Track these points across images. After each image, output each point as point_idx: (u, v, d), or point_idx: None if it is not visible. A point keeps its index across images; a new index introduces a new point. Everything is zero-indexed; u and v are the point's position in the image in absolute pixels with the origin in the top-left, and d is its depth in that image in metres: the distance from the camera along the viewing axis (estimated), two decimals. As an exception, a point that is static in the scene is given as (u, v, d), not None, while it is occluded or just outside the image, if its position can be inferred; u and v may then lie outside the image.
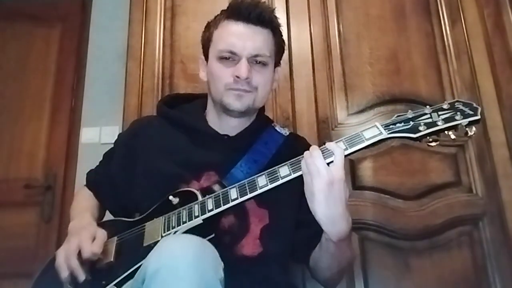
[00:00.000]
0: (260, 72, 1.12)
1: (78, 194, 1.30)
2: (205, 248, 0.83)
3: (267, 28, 1.14)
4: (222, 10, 1.17)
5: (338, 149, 0.90)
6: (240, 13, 1.11)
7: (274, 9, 1.18)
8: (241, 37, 1.10)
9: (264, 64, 1.13)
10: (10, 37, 2.45)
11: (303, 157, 0.92)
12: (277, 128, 1.25)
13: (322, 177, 0.87)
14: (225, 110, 1.14)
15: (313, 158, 0.89)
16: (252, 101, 1.13)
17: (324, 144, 0.94)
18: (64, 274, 0.95)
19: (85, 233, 0.99)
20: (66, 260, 0.95)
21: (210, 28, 1.18)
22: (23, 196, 2.19)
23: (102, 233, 1.00)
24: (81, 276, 0.94)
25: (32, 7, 2.47)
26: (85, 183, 1.30)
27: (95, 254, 0.96)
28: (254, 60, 1.11)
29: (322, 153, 0.90)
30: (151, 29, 1.88)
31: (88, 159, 2.02)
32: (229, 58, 1.10)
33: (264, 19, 1.13)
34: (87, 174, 1.31)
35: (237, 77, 1.08)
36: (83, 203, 1.23)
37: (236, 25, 1.12)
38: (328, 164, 0.89)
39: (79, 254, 0.95)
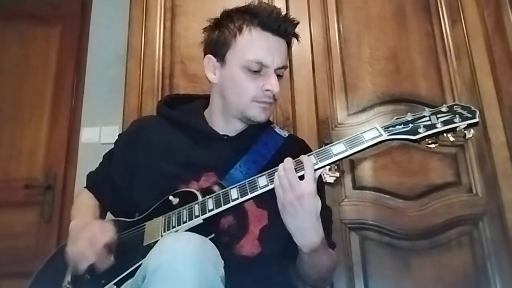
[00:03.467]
0: (279, 83, 1.12)
1: (78, 195, 1.30)
2: (205, 245, 0.83)
3: (287, 40, 1.14)
4: (242, 13, 1.13)
5: (309, 163, 0.93)
6: (270, 24, 1.09)
7: (298, 22, 1.16)
8: (271, 50, 1.09)
9: (282, 75, 1.15)
10: (10, 37, 2.45)
11: (305, 156, 0.94)
12: (277, 129, 1.26)
13: (293, 191, 0.91)
14: (247, 120, 1.14)
15: (285, 172, 0.92)
16: (271, 112, 1.16)
17: (325, 144, 0.95)
18: (83, 266, 0.96)
19: (94, 226, 1.02)
20: (91, 246, 0.96)
21: (228, 30, 1.12)
22: (23, 196, 2.19)
23: (109, 225, 1.03)
24: (110, 260, 0.98)
25: (32, 7, 2.47)
26: (85, 184, 1.30)
27: (108, 243, 0.98)
28: (276, 73, 1.11)
29: (296, 166, 0.93)
30: (151, 29, 1.88)
31: (88, 159, 2.04)
32: (258, 70, 1.09)
33: (290, 32, 1.13)
34: (87, 175, 1.31)
35: (267, 90, 1.08)
36: (84, 204, 1.23)
37: (265, 36, 1.09)
38: (301, 177, 0.92)
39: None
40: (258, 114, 1.11)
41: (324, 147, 0.95)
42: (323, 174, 1.59)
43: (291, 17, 1.15)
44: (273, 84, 1.08)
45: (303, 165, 0.93)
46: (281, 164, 0.93)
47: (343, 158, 0.94)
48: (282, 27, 1.10)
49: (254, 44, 1.09)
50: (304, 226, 0.93)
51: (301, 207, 0.91)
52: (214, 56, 1.15)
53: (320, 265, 1.06)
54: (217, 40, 1.14)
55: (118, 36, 2.12)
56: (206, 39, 1.19)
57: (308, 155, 0.95)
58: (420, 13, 1.82)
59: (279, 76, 1.12)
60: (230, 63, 1.11)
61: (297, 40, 1.18)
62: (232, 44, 1.11)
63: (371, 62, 1.78)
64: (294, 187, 0.90)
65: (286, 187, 0.91)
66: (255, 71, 1.08)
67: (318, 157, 0.95)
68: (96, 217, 1.17)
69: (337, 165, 1.63)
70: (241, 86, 1.10)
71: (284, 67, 1.13)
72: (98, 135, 2.18)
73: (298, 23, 1.15)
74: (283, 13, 1.12)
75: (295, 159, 0.94)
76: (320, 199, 0.94)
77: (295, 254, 1.15)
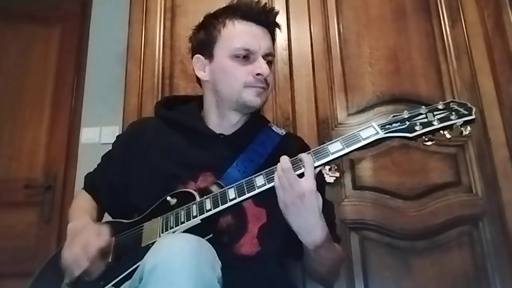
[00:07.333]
0: (269, 70, 1.14)
1: (76, 197, 1.30)
2: (202, 246, 0.83)
3: (270, 30, 1.19)
4: (223, 10, 1.18)
5: (308, 160, 0.92)
6: (252, 14, 1.14)
7: (278, 12, 1.21)
8: (256, 36, 1.13)
9: (271, 62, 1.17)
10: (11, 37, 2.45)
11: (304, 154, 0.94)
12: (274, 128, 1.27)
13: (293, 191, 0.90)
14: (243, 107, 1.15)
15: (284, 172, 0.91)
16: (266, 98, 1.17)
17: (324, 143, 0.95)
18: (77, 272, 0.97)
19: (89, 230, 1.01)
20: (85, 252, 0.97)
21: (212, 26, 1.17)
22: (23, 196, 2.19)
23: (105, 228, 1.03)
24: (104, 265, 0.99)
25: (32, 7, 2.47)
26: (83, 185, 1.31)
27: (102, 248, 0.98)
28: (265, 59, 1.14)
29: (293, 165, 0.92)
30: (151, 29, 1.89)
31: (88, 159, 2.03)
32: (245, 56, 1.12)
33: (271, 21, 1.18)
34: (85, 177, 1.32)
35: (258, 74, 1.10)
36: (82, 205, 1.24)
37: (249, 25, 1.14)
38: (300, 175, 0.91)
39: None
40: (253, 99, 1.13)
41: (321, 146, 0.95)
42: (324, 174, 1.59)
43: (270, 7, 1.20)
44: (263, 67, 1.10)
45: (300, 164, 0.93)
46: (279, 164, 0.93)
47: (341, 157, 0.94)
48: (263, 17, 1.15)
49: (239, 33, 1.13)
50: (308, 224, 0.93)
51: (303, 205, 0.90)
52: (202, 55, 1.19)
53: (327, 260, 1.06)
54: (203, 39, 1.19)
55: (118, 36, 2.12)
56: (193, 41, 1.24)
57: (307, 153, 0.95)
58: (420, 13, 1.82)
59: (269, 63, 1.14)
60: (218, 56, 1.15)
61: (279, 29, 1.23)
62: (218, 38, 1.15)
63: (371, 62, 1.78)
64: (294, 186, 0.90)
65: (286, 187, 0.91)
66: (243, 58, 1.12)
67: (316, 156, 0.94)
68: (94, 219, 1.17)
69: (337, 165, 1.63)
70: (231, 74, 1.12)
71: (271, 55, 1.16)
72: (98, 135, 2.17)
73: (278, 12, 1.20)
74: (262, 4, 1.17)
75: (293, 158, 0.94)
76: (321, 194, 0.94)
77: (295, 251, 1.15)
